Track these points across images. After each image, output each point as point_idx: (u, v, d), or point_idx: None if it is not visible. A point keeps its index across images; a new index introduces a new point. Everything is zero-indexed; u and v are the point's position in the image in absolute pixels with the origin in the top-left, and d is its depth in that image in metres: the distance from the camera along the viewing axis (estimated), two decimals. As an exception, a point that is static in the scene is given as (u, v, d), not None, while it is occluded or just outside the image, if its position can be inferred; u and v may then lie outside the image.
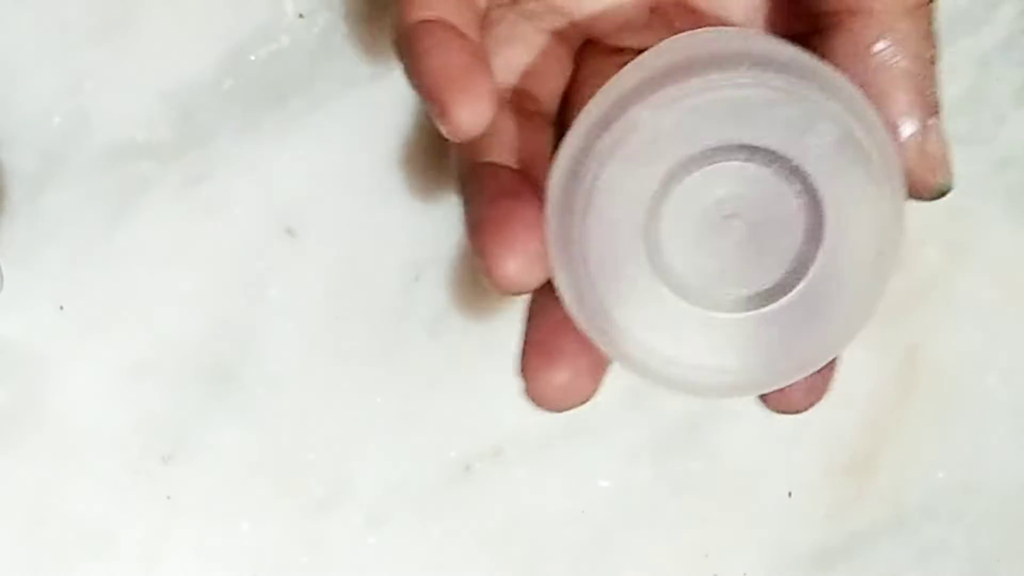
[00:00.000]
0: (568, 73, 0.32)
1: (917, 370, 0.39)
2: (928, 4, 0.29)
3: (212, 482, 0.39)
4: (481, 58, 0.29)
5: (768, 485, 0.39)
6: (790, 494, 0.39)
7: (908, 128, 0.28)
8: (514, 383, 0.39)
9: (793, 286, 0.27)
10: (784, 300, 0.27)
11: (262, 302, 0.38)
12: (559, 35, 0.32)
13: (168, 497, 0.38)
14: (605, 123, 0.26)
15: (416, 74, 0.28)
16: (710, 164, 0.26)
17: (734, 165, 0.26)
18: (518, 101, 0.31)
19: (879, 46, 0.28)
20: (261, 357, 0.38)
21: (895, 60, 0.28)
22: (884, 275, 0.27)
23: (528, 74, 0.31)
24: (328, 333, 0.39)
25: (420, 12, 0.29)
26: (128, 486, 0.38)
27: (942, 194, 0.29)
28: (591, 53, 0.32)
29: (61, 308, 0.38)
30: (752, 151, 0.26)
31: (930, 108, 0.29)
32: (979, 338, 0.40)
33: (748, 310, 0.27)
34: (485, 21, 0.31)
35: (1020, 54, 0.39)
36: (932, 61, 0.29)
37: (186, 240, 0.38)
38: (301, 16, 0.38)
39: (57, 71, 0.38)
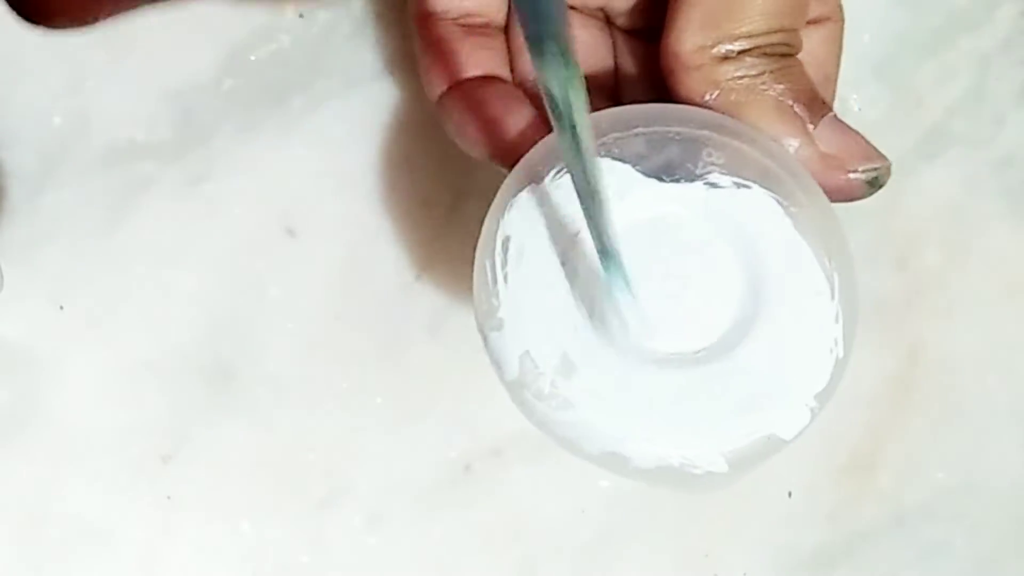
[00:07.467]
0: None
1: (917, 370, 0.39)
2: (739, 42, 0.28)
3: (212, 482, 0.39)
4: None
5: (768, 485, 0.39)
6: (790, 494, 0.39)
7: (790, 144, 0.28)
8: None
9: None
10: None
11: (262, 302, 0.38)
12: None
13: (168, 497, 0.38)
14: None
15: None
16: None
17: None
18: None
19: (707, 97, 0.28)
20: (261, 357, 0.38)
21: (732, 97, 0.28)
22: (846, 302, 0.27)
23: None
24: (328, 333, 0.39)
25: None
26: (128, 486, 0.38)
27: (878, 183, 0.29)
28: None
29: (61, 308, 0.38)
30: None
31: (806, 115, 0.28)
32: (979, 338, 0.40)
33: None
34: None
35: (1020, 54, 0.39)
36: (778, 75, 0.29)
37: (186, 240, 0.38)
38: (301, 16, 0.38)
39: (57, 71, 0.38)
